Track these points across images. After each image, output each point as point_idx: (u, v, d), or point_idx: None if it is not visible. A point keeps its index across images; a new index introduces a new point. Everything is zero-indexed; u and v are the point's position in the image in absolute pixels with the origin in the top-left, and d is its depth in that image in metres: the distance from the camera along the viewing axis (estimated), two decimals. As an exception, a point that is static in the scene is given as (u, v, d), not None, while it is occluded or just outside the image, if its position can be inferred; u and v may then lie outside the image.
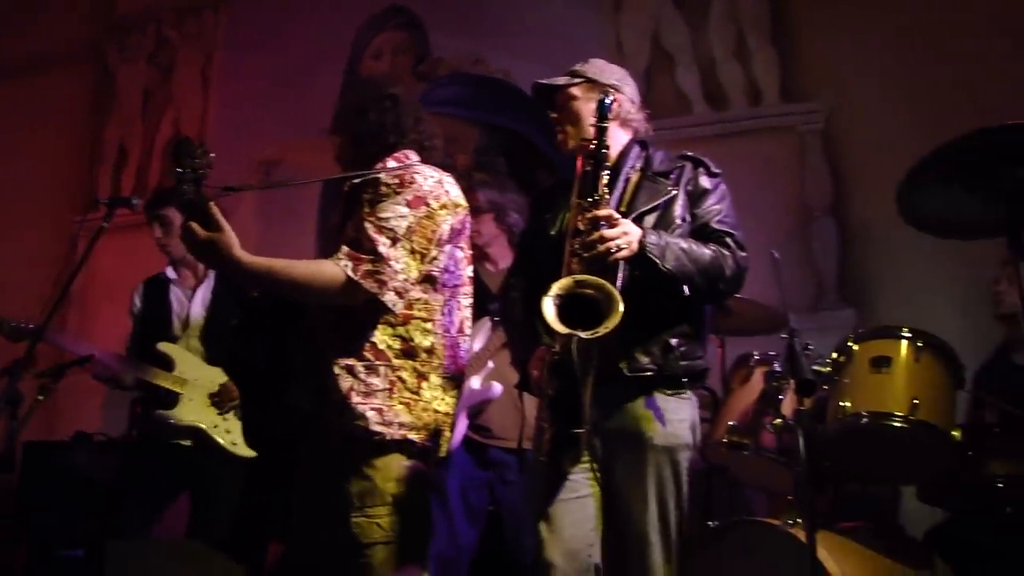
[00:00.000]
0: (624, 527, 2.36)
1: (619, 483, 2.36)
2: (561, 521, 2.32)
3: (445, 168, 2.49)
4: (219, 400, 3.67)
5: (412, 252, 2.31)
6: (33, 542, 4.18)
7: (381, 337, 2.32)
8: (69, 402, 5.18)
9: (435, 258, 2.37)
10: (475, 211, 3.55)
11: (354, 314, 2.30)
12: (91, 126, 6.54)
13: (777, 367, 3.13)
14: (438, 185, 2.39)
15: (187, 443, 3.64)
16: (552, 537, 2.31)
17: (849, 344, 3.08)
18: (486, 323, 3.40)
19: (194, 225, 2.09)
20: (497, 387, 3.34)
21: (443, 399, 2.38)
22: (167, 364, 3.67)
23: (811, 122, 4.88)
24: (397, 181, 2.34)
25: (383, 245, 2.26)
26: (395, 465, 2.28)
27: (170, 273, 3.85)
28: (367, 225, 2.29)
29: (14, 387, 2.88)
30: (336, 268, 2.24)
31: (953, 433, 2.94)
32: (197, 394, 3.65)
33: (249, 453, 3.66)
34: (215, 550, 3.05)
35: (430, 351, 2.36)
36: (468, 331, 2.49)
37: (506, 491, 3.44)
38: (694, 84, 5.17)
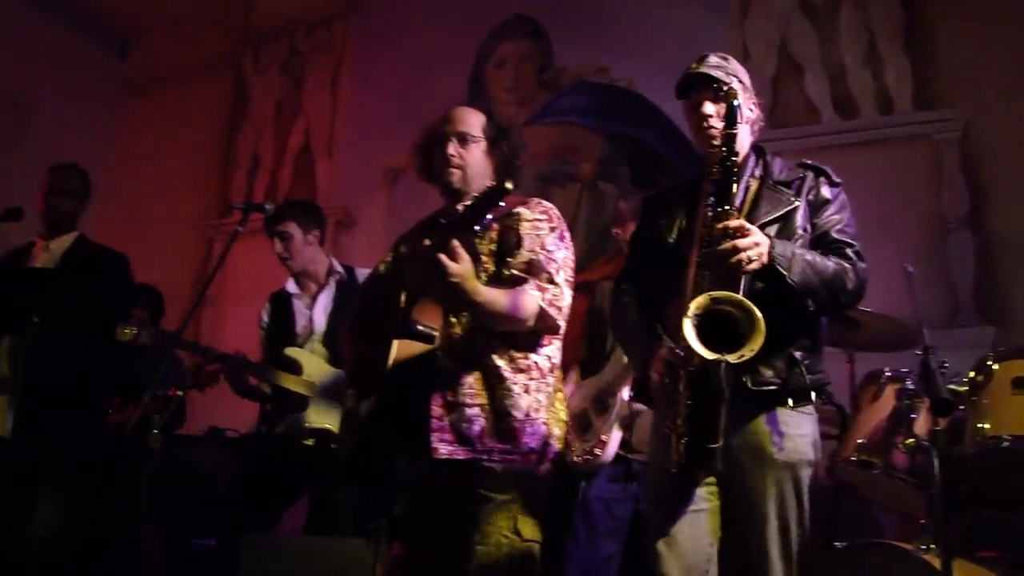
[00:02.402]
0: (744, 544, 2.32)
1: (740, 499, 2.32)
2: (679, 535, 2.30)
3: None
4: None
5: (566, 281, 2.49)
6: (167, 532, 4.34)
7: (539, 357, 2.48)
8: (201, 397, 5.38)
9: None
10: (617, 219, 3.59)
11: (522, 337, 2.45)
12: (228, 134, 6.83)
13: (910, 385, 3.02)
14: (561, 220, 2.56)
15: (310, 442, 3.69)
16: (670, 552, 2.30)
17: (988, 363, 2.96)
18: None
19: (444, 258, 2.18)
20: None
21: (565, 411, 2.57)
22: (296, 368, 3.74)
23: (947, 131, 4.71)
24: (545, 216, 2.50)
25: (556, 276, 2.43)
26: (549, 474, 2.46)
27: (291, 287, 3.92)
28: (540, 257, 2.43)
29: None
30: (532, 298, 2.38)
31: (1103, 461, 2.79)
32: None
33: None
34: (344, 545, 3.11)
35: (558, 368, 2.56)
36: None
37: None
38: (823, 92, 5.06)
